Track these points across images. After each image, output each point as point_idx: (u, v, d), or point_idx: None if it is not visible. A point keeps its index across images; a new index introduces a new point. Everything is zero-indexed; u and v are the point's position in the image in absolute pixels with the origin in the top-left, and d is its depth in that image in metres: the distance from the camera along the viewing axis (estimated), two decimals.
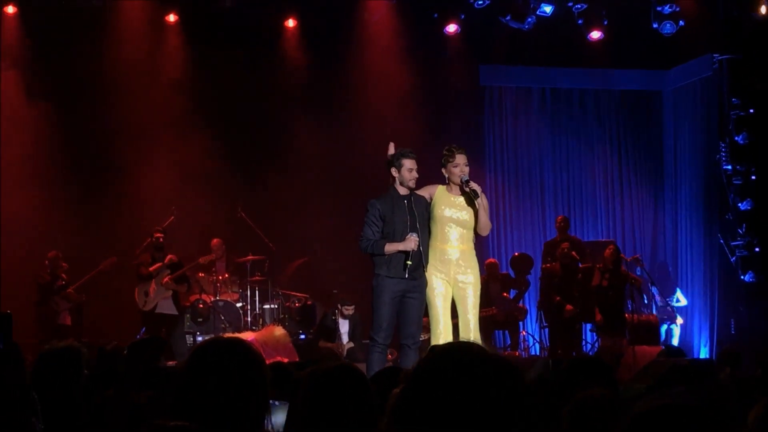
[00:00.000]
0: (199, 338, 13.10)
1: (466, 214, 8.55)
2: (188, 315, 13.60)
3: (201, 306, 13.57)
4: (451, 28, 15.39)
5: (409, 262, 8.39)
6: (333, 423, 3.07)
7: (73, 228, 14.26)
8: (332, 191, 14.97)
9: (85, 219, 14.42)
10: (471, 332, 8.53)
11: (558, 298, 14.31)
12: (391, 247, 8.43)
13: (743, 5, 14.63)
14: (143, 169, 14.65)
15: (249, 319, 13.97)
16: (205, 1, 14.91)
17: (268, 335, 13.15)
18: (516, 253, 15.78)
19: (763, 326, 14.08)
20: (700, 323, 15.47)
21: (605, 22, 15.10)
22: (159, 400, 4.66)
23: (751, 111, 14.85)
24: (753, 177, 14.84)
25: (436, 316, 8.58)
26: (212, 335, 11.91)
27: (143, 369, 5.13)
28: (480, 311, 8.95)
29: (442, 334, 8.47)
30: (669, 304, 15.39)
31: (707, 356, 14.70)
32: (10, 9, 14.40)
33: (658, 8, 14.47)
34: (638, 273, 15.16)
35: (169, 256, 13.74)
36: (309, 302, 14.32)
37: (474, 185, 8.48)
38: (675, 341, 14.98)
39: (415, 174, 8.54)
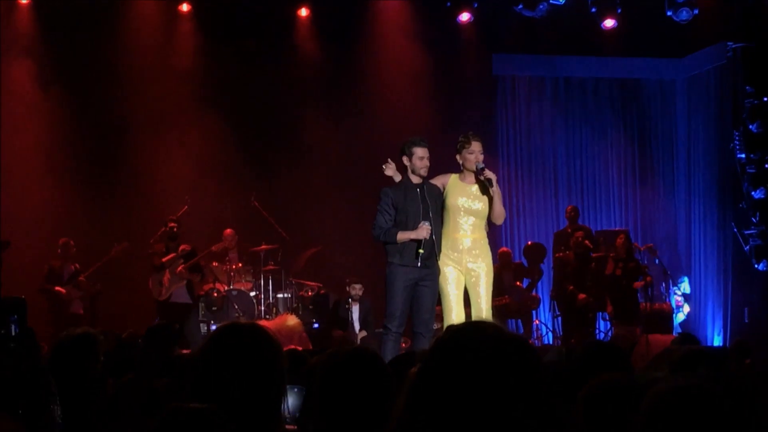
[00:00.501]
0: (213, 327, 13.13)
1: (479, 203, 8.55)
2: (202, 304, 13.61)
3: (215, 295, 13.59)
4: (464, 16, 15.37)
5: (421, 251, 8.40)
6: (350, 405, 3.09)
7: (86, 216, 14.33)
8: (345, 180, 14.97)
9: (98, 208, 14.49)
10: None
11: (571, 287, 14.30)
12: (403, 236, 8.44)
13: None
14: (156, 158, 14.71)
15: (262, 308, 14.00)
16: None
17: (281, 324, 13.19)
18: (529, 242, 15.78)
19: None
20: (714, 312, 15.45)
21: (618, 11, 15.05)
22: (176, 387, 4.69)
23: (765, 99, 14.80)
24: (767, 166, 14.79)
25: (449, 304, 8.59)
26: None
27: (160, 356, 5.16)
28: (493, 300, 8.95)
29: (454, 323, 8.46)
30: (676, 293, 15.38)
31: (720, 345, 14.67)
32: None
33: None
34: (649, 262, 15.15)
35: (182, 246, 13.77)
36: (322, 291, 14.34)
37: (489, 173, 8.48)
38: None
39: (426, 162, 8.53)
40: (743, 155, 14.87)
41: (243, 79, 15.06)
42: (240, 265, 14.16)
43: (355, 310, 13.30)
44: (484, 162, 8.57)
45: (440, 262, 8.57)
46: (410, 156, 8.53)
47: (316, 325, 13.85)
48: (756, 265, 14.63)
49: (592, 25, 15.24)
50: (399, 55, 15.49)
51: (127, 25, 14.68)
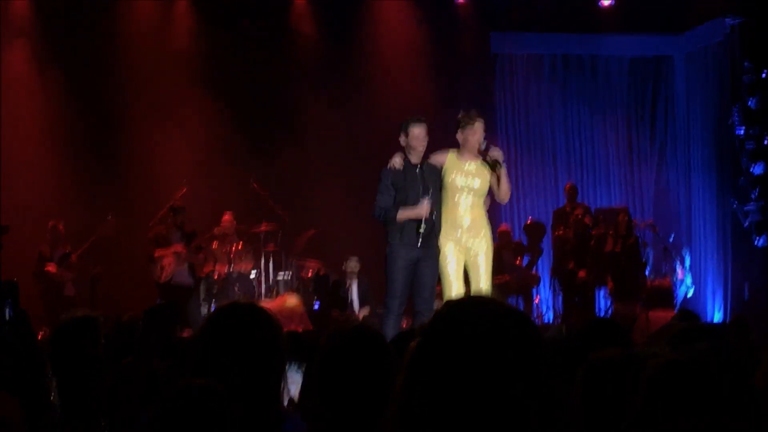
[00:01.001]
0: (213, 309, 13.12)
1: (477, 182, 8.54)
2: (203, 286, 13.60)
3: (215, 277, 13.59)
4: None
5: (421, 229, 8.41)
6: (351, 384, 3.09)
7: (84, 200, 14.32)
8: (344, 161, 14.97)
9: (96, 191, 14.48)
10: None
11: (571, 265, 14.31)
12: (404, 214, 8.45)
13: None
14: (154, 140, 14.70)
15: (263, 289, 14.02)
16: None
17: (281, 305, 13.21)
18: (528, 220, 15.78)
19: None
20: (714, 288, 15.47)
21: None
22: (177, 369, 4.69)
23: (764, 75, 14.76)
24: (766, 141, 14.77)
25: (449, 283, 8.60)
26: None
27: (159, 338, 5.17)
28: (493, 278, 8.96)
29: (447, 299, 8.45)
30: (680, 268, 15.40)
31: (720, 321, 14.69)
32: None
33: None
34: (651, 238, 15.16)
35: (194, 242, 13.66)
36: (322, 272, 14.35)
37: (496, 152, 8.46)
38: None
39: (423, 141, 8.52)
40: (742, 131, 14.85)
41: (240, 60, 15.03)
42: (240, 246, 14.16)
43: (354, 290, 13.32)
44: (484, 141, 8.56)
45: (440, 241, 8.58)
46: (407, 134, 8.53)
47: (316, 306, 13.87)
48: (756, 241, 14.63)
49: (590, 2, 15.23)
50: (397, 34, 15.46)
51: (125, 8, 14.67)
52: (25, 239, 13.63)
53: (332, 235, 14.79)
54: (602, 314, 14.51)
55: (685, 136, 16.52)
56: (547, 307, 15.23)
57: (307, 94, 15.13)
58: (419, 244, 8.46)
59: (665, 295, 14.49)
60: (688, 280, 15.45)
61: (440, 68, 15.55)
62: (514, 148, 16.47)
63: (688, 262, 15.70)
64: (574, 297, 14.44)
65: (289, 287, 14.13)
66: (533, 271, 15.18)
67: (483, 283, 8.59)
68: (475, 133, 8.46)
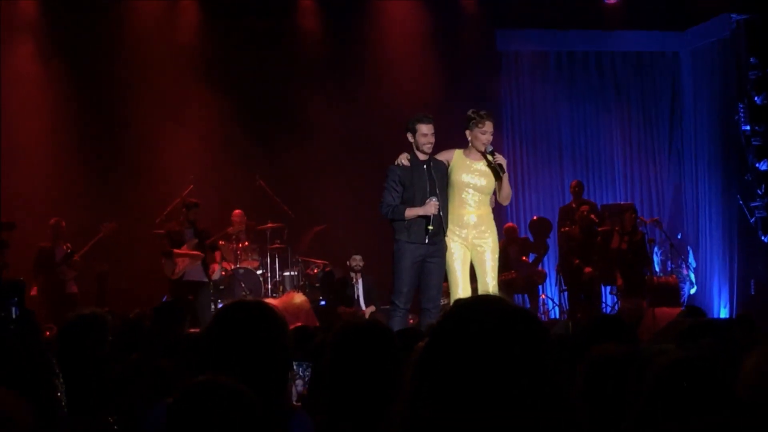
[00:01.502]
0: (220, 305, 13.07)
1: (483, 180, 8.56)
2: (210, 283, 13.57)
3: (222, 274, 13.57)
4: None
5: (430, 228, 8.43)
6: (360, 378, 3.11)
7: (89, 197, 14.33)
8: (350, 158, 14.98)
9: (101, 188, 14.50)
10: None
11: (577, 261, 14.31)
12: (411, 212, 8.46)
13: None
14: (160, 137, 14.70)
15: (269, 286, 14.03)
16: None
17: (288, 302, 13.22)
18: (534, 217, 15.77)
19: None
20: (720, 284, 15.45)
21: None
22: (183, 366, 4.71)
23: None
24: None
25: (455, 280, 8.62)
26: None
27: (167, 335, 5.18)
28: (499, 275, 8.98)
29: (456, 298, 8.47)
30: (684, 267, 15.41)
31: (726, 317, 14.68)
32: None
33: None
34: (657, 235, 15.17)
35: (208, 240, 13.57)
36: (327, 269, 14.36)
37: (500, 158, 8.49)
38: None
39: (431, 139, 8.53)
40: (748, 127, 14.84)
41: (246, 57, 15.04)
42: (246, 243, 14.17)
43: (360, 287, 13.34)
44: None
45: (446, 239, 8.60)
46: (414, 133, 8.54)
47: (322, 303, 13.88)
48: (762, 237, 14.62)
49: None
50: (402, 31, 15.46)
51: (129, 5, 14.68)
52: (29, 236, 13.64)
53: (338, 231, 14.81)
54: (608, 311, 14.52)
55: (691, 133, 16.50)
56: (554, 304, 15.23)
57: (313, 91, 15.12)
58: (427, 241, 8.48)
59: (671, 291, 14.49)
60: (692, 278, 15.45)
61: (446, 65, 15.54)
62: (519, 145, 16.48)
63: (692, 261, 15.69)
64: (580, 294, 14.45)
65: (295, 284, 14.15)
66: (539, 268, 15.17)
67: (489, 280, 8.60)
68: (484, 133, 8.47)
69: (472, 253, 8.63)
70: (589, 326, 4.12)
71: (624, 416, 2.75)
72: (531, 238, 15.48)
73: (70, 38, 14.61)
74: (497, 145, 8.69)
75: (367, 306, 13.26)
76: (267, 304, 3.16)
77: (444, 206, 8.54)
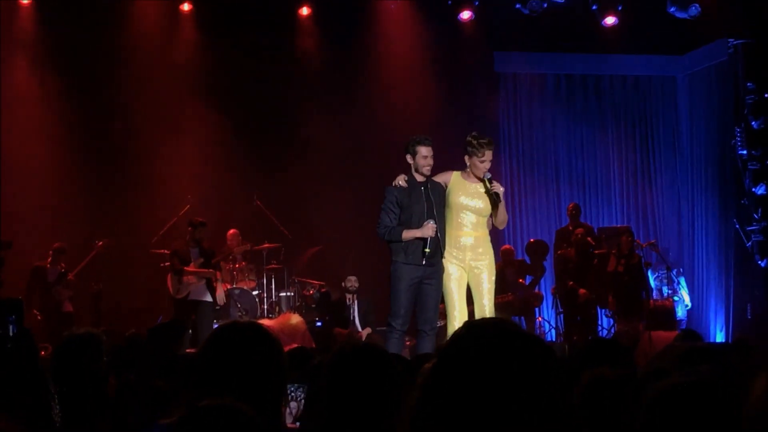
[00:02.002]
0: (216, 326, 13.00)
1: (481, 202, 8.58)
2: (212, 303, 13.40)
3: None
4: (465, 14, 15.38)
5: (427, 250, 8.42)
6: (358, 401, 3.10)
7: (87, 215, 14.36)
8: (348, 179, 14.99)
9: (99, 206, 14.53)
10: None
11: (571, 283, 14.32)
12: (408, 234, 8.46)
13: None
14: (158, 157, 14.71)
15: (265, 306, 14.01)
16: None
17: (284, 323, 13.21)
18: (531, 240, 15.78)
19: None
20: (716, 308, 15.45)
21: (619, 8, 15.07)
22: (178, 386, 4.70)
23: (767, 96, 14.80)
24: None
25: (452, 302, 8.61)
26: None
27: (162, 355, 5.17)
28: (496, 297, 8.99)
29: (458, 320, 8.48)
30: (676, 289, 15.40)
31: (723, 341, 14.67)
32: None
33: None
34: (653, 258, 15.17)
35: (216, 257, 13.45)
36: (324, 290, 14.35)
37: (497, 187, 8.50)
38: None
39: (430, 161, 8.54)
40: (745, 151, 14.87)
41: (245, 77, 15.08)
42: (243, 263, 14.16)
43: (355, 308, 13.32)
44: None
45: (444, 260, 8.59)
46: (414, 155, 8.55)
47: (319, 324, 13.86)
48: (759, 261, 14.63)
49: (593, 22, 15.24)
50: (401, 53, 15.51)
51: (129, 25, 14.69)
52: (26, 254, 13.63)
53: (335, 252, 14.81)
54: (604, 334, 14.51)
55: (688, 157, 16.53)
56: (550, 326, 15.21)
57: (311, 111, 15.14)
58: (424, 263, 8.48)
59: (668, 315, 14.48)
60: (684, 298, 15.44)
61: (444, 86, 15.57)
62: (517, 167, 16.50)
63: (683, 284, 15.68)
64: (577, 316, 14.45)
65: (292, 305, 14.13)
66: (536, 290, 15.17)
67: (486, 302, 8.61)
68: (483, 162, 8.49)
69: (469, 275, 8.64)
70: (586, 349, 4.11)
71: None
72: (528, 261, 15.48)
73: (68, 56, 14.64)
74: (495, 167, 8.71)
75: (363, 327, 13.24)
76: (261, 326, 3.16)
77: (441, 228, 8.54)
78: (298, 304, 14.17)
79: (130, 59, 14.72)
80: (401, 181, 8.59)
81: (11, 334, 8.21)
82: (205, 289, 12.90)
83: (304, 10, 15.30)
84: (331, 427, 3.13)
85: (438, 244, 8.52)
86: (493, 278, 8.74)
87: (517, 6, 14.72)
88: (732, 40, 15.08)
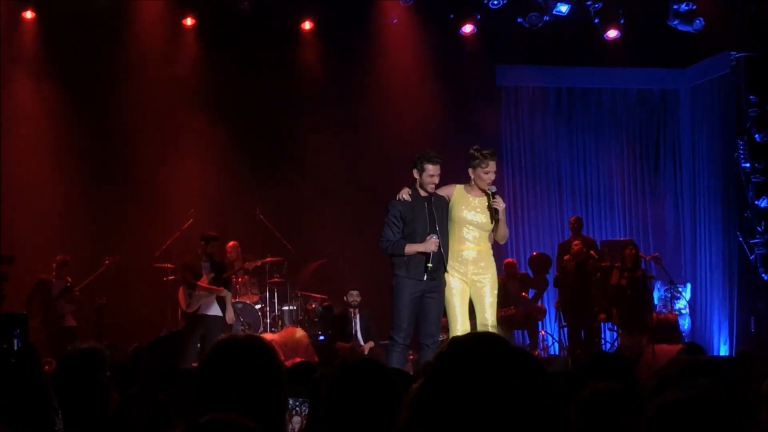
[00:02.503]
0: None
1: (483, 217, 8.59)
2: (223, 317, 13.30)
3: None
4: (467, 28, 15.40)
5: (429, 265, 8.43)
6: (359, 416, 3.10)
7: (88, 229, 14.37)
8: (350, 192, 15.00)
9: (101, 221, 14.53)
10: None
11: (563, 291, 14.37)
12: (411, 248, 8.47)
13: (760, 2, 14.58)
14: (160, 171, 14.72)
15: (268, 320, 14.00)
16: (222, 4, 14.92)
17: (287, 337, 13.20)
18: (534, 253, 15.77)
19: None
20: (720, 321, 15.42)
21: (621, 21, 15.09)
22: (181, 400, 4.70)
23: None
24: None
25: (454, 315, 8.61)
26: None
27: (163, 368, 5.17)
28: (499, 311, 8.99)
29: (460, 334, 8.45)
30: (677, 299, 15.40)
31: (726, 354, 14.65)
32: (29, 14, 14.49)
33: (675, 6, 14.41)
34: (656, 271, 15.16)
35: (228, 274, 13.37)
36: (326, 303, 14.33)
37: (498, 203, 8.50)
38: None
39: (435, 180, 8.55)
40: (748, 164, 14.86)
41: (247, 92, 15.10)
42: (246, 277, 14.15)
43: (357, 322, 13.31)
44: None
45: (446, 274, 8.59)
46: (421, 171, 8.55)
47: (321, 338, 13.85)
48: (762, 274, 14.60)
49: (596, 35, 15.26)
50: (403, 67, 15.53)
51: (131, 40, 14.71)
52: (29, 269, 13.64)
53: (337, 266, 14.81)
54: (608, 347, 14.48)
55: (690, 170, 16.52)
56: (553, 340, 15.19)
57: (314, 125, 15.16)
58: (425, 278, 8.48)
59: (671, 328, 14.46)
60: (684, 308, 15.44)
61: (446, 100, 15.59)
62: (519, 180, 16.51)
63: (684, 293, 15.66)
64: (580, 330, 14.43)
65: (294, 319, 14.11)
66: (539, 304, 15.16)
67: (488, 316, 8.60)
68: (487, 173, 8.50)
69: (472, 288, 8.63)
70: (589, 363, 4.11)
71: None
72: (531, 274, 15.47)
73: (70, 70, 14.66)
74: (497, 180, 8.70)
75: (365, 341, 13.23)
76: (259, 339, 3.17)
77: (444, 242, 8.55)
78: (300, 318, 14.16)
79: (132, 74, 14.73)
80: (405, 195, 8.60)
81: (15, 348, 8.21)
82: (216, 304, 12.79)
83: (307, 25, 15.33)
84: None
85: (441, 259, 8.52)
86: (496, 292, 8.74)
87: (519, 20, 14.76)
88: (734, 53, 15.08)
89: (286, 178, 15.02)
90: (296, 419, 4.18)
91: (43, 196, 14.42)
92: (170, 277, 13.99)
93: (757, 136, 14.82)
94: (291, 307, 14.27)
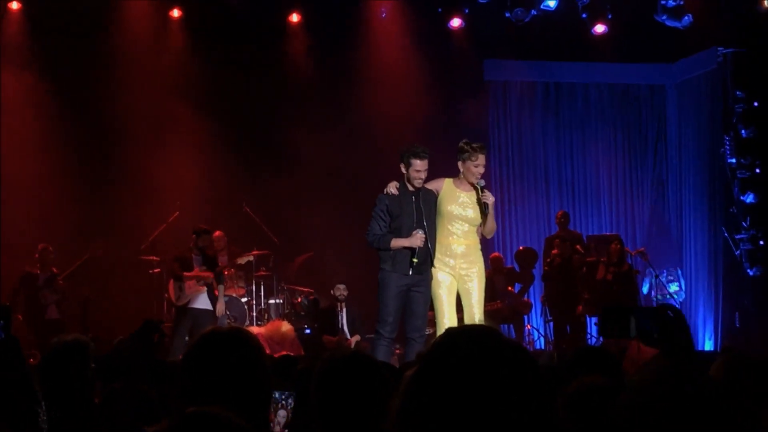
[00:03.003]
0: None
1: (472, 211, 8.58)
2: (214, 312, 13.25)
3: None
4: (456, 22, 15.41)
5: (415, 260, 8.42)
6: (348, 409, 3.10)
7: (75, 222, 14.29)
8: (337, 186, 14.99)
9: (87, 214, 14.46)
10: None
11: (549, 285, 14.39)
12: (397, 243, 8.46)
13: None
14: (146, 164, 14.67)
15: (254, 313, 13.98)
16: None
17: (274, 330, 13.18)
18: (521, 248, 15.79)
19: (767, 319, 14.09)
20: (705, 316, 15.47)
21: (609, 16, 15.10)
22: (165, 393, 4.69)
23: (756, 104, 14.85)
24: (757, 170, 14.84)
25: (442, 309, 8.61)
26: None
27: (146, 361, 5.15)
28: (485, 305, 8.98)
29: (447, 327, 8.45)
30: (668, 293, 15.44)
31: (711, 349, 14.70)
32: (15, 5, 14.43)
33: (663, 1, 14.42)
34: (642, 266, 15.19)
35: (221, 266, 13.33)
36: (312, 297, 14.33)
37: (488, 197, 8.50)
38: None
39: (422, 175, 8.52)
40: (734, 160, 14.92)
41: (234, 84, 15.07)
42: (233, 270, 14.11)
43: (344, 316, 13.30)
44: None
45: (434, 268, 8.59)
46: (407, 166, 8.53)
47: (308, 331, 13.84)
48: (748, 270, 14.66)
49: (583, 30, 15.27)
50: (391, 61, 15.51)
51: (118, 31, 14.66)
52: (15, 261, 13.59)
53: (324, 259, 14.80)
54: (593, 342, 14.50)
55: (677, 165, 16.56)
56: (539, 334, 15.22)
57: (301, 119, 15.13)
58: (410, 272, 8.48)
59: None
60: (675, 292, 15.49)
61: (434, 94, 15.57)
62: (506, 174, 16.52)
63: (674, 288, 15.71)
64: (566, 324, 14.46)
65: (281, 312, 14.10)
66: (525, 298, 15.18)
67: (476, 310, 8.60)
68: (477, 166, 8.50)
69: (459, 282, 8.63)
70: (574, 358, 4.11)
71: None
72: (517, 268, 15.49)
73: (57, 62, 14.59)
74: (484, 175, 8.70)
75: (351, 335, 13.23)
76: (242, 330, 3.16)
77: (431, 236, 8.54)
78: (287, 311, 14.15)
79: (119, 66, 14.69)
80: (392, 188, 8.59)
81: None
82: (206, 298, 12.74)
83: (294, 17, 15.31)
84: None
85: (427, 254, 8.52)
86: (483, 286, 8.73)
87: (507, 15, 14.75)
88: (721, 48, 15.13)
89: (273, 170, 14.98)
90: (281, 413, 4.17)
91: (28, 187, 14.36)
92: (156, 270, 13.96)
93: (743, 131, 14.87)
94: (277, 301, 14.25)
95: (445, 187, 8.65)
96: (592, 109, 16.94)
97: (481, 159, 8.52)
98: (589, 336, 14.74)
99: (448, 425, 1.92)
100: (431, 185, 8.70)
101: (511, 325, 15.11)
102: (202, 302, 12.69)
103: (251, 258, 13.61)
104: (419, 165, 8.48)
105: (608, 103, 16.97)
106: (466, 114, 15.67)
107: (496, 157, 16.42)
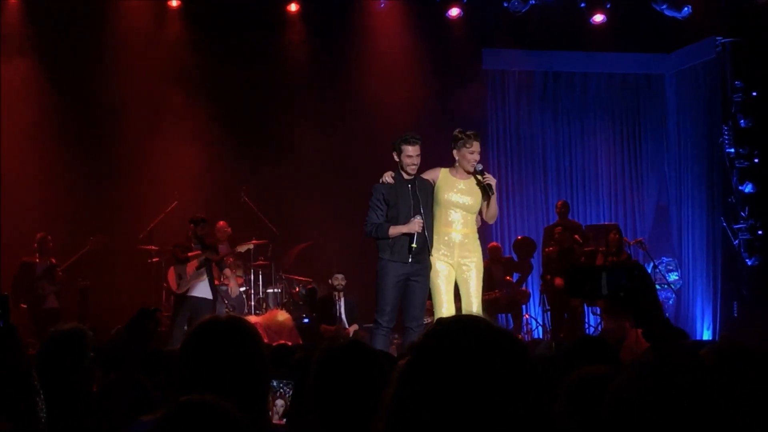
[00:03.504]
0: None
1: (469, 199, 8.57)
2: (213, 300, 13.25)
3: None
4: (454, 12, 15.41)
5: (413, 246, 8.41)
6: (346, 398, 3.10)
7: (73, 212, 14.30)
8: (335, 175, 14.99)
9: (86, 203, 14.47)
10: None
11: (548, 277, 14.37)
12: (395, 230, 8.46)
13: None
14: (146, 153, 14.69)
15: (252, 303, 13.98)
16: None
17: (271, 319, 13.17)
18: (519, 237, 15.79)
19: (765, 309, 14.09)
20: (703, 306, 15.48)
21: (608, 6, 15.09)
22: (164, 382, 4.69)
23: (754, 94, 14.83)
24: (756, 160, 14.83)
25: (440, 299, 8.60)
26: None
27: (141, 347, 5.13)
28: (483, 294, 8.97)
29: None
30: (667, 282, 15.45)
31: (710, 339, 14.71)
32: None
33: None
34: (641, 256, 15.19)
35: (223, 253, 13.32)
36: (310, 286, 14.33)
37: (489, 178, 8.49)
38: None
39: (415, 161, 8.51)
40: (732, 150, 14.91)
41: (232, 74, 15.05)
42: (231, 260, 14.10)
43: (342, 305, 13.31)
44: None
45: (431, 257, 8.58)
46: (399, 153, 8.53)
47: (306, 321, 13.85)
48: (746, 260, 14.66)
49: (582, 20, 15.26)
50: (389, 50, 15.49)
51: (117, 20, 14.65)
52: (13, 252, 13.58)
53: (322, 249, 14.80)
54: (592, 331, 14.52)
55: (675, 155, 16.55)
56: (537, 324, 15.22)
57: (299, 108, 15.14)
58: (410, 260, 8.47)
59: None
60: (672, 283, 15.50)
61: (432, 84, 15.57)
62: (504, 164, 16.51)
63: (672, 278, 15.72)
64: (564, 313, 14.46)
65: (279, 301, 14.10)
66: (523, 288, 15.18)
67: (474, 299, 8.59)
68: (472, 153, 8.48)
69: (457, 272, 8.62)
70: (573, 347, 4.11)
71: None
72: (515, 258, 15.49)
73: (55, 52, 14.60)
74: (483, 164, 8.69)
75: (350, 324, 13.23)
76: (239, 319, 3.15)
77: (429, 225, 8.53)
78: (285, 300, 14.15)
79: (117, 54, 14.68)
80: (388, 178, 8.58)
81: None
82: (206, 286, 12.73)
83: (293, 7, 15.29)
84: (319, 425, 3.13)
85: (425, 241, 8.51)
86: (481, 275, 8.73)
87: (505, 4, 14.74)
88: (720, 38, 15.11)
89: (271, 160, 14.98)
90: (279, 401, 4.17)
91: (25, 177, 14.35)
92: (155, 259, 13.97)
93: (742, 121, 14.86)
94: (275, 290, 14.25)
95: (442, 176, 8.64)
96: (590, 99, 16.93)
97: (476, 146, 8.50)
98: (587, 325, 14.75)
99: (440, 414, 1.93)
100: (427, 175, 8.69)
101: (509, 315, 15.12)
102: (202, 291, 12.70)
103: (251, 246, 13.60)
104: (411, 150, 8.47)
105: (607, 93, 16.96)
106: (464, 103, 15.65)
107: (494, 147, 16.42)
